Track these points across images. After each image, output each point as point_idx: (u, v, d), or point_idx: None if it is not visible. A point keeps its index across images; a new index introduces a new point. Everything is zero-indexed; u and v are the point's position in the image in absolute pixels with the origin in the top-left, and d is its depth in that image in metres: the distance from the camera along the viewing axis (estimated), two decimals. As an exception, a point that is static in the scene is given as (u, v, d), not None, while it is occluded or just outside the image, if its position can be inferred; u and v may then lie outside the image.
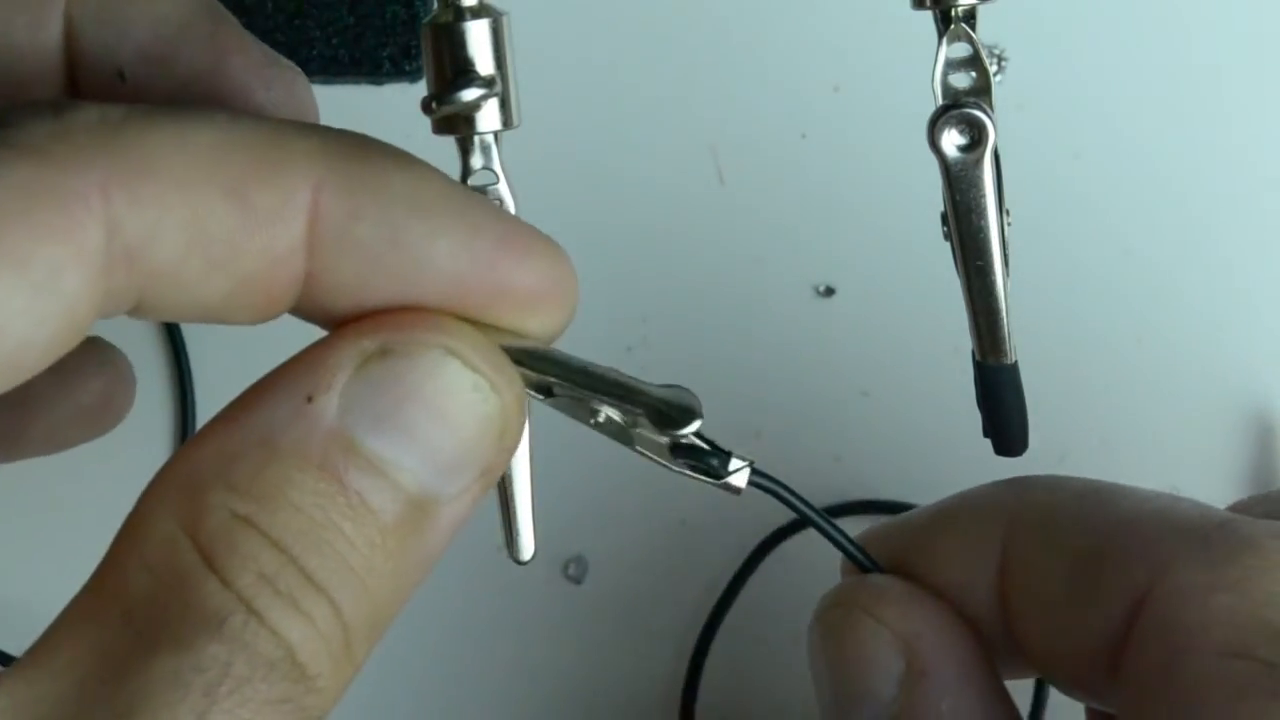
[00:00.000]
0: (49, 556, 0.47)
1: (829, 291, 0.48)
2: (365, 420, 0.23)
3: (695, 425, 0.24)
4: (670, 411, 0.24)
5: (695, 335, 0.48)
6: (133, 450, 0.48)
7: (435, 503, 0.23)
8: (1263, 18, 0.48)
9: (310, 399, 0.23)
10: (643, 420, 0.24)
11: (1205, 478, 0.47)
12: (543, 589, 0.47)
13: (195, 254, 0.22)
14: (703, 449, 0.25)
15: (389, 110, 0.47)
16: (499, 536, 0.29)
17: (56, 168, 0.21)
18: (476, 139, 0.27)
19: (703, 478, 0.25)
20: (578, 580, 0.47)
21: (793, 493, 0.28)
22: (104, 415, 0.35)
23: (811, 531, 0.29)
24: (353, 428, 0.23)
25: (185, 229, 0.22)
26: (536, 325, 0.25)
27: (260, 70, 0.29)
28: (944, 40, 0.29)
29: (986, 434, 0.32)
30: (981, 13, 0.29)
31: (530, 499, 0.29)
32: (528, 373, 0.25)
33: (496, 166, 0.28)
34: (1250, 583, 0.26)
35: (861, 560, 0.30)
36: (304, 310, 0.24)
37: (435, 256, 0.23)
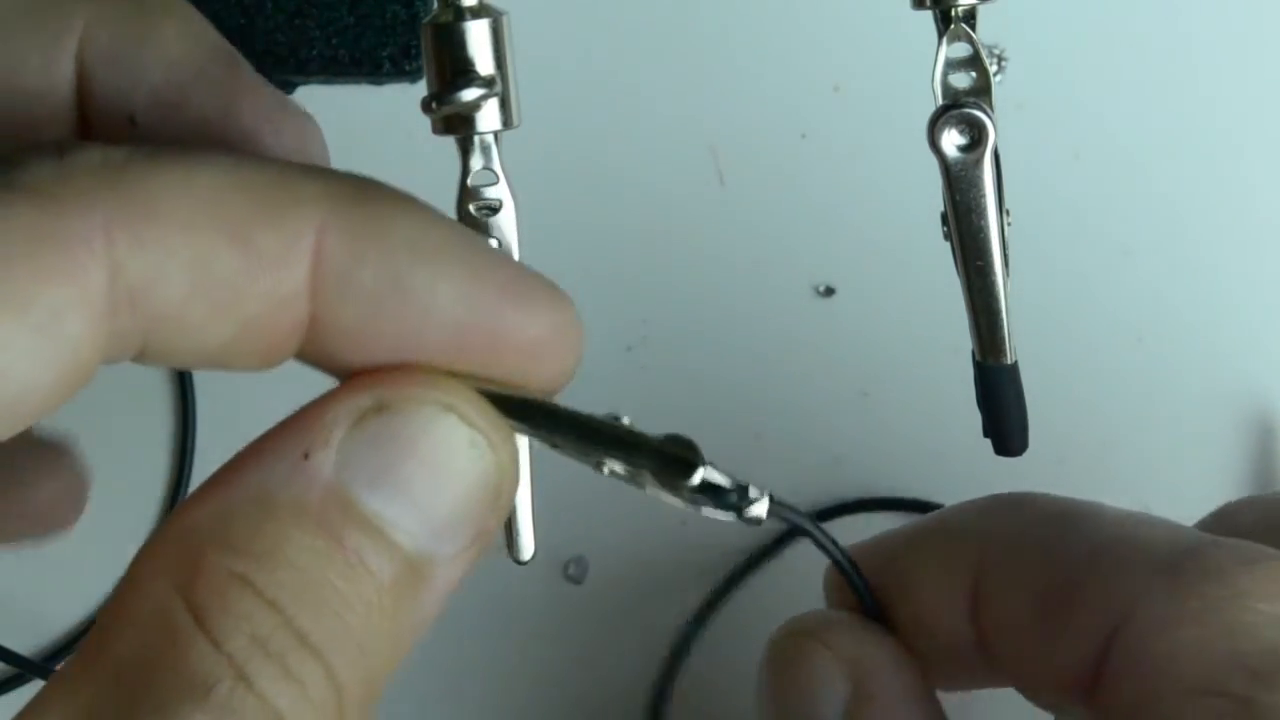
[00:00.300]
0: (48, 556, 0.47)
1: (829, 291, 0.48)
2: (362, 477, 0.23)
3: (697, 477, 0.24)
4: (669, 466, 0.24)
5: (695, 335, 0.48)
6: (136, 451, 0.48)
7: (431, 564, 0.23)
8: (1262, 18, 0.48)
9: (307, 455, 0.22)
10: (646, 474, 0.24)
11: (1205, 478, 0.47)
12: (543, 589, 0.47)
13: (199, 297, 0.22)
14: (717, 487, 0.25)
15: (389, 110, 0.47)
16: (499, 536, 0.29)
17: (59, 210, 0.21)
18: (476, 139, 0.27)
19: (723, 514, 0.25)
20: (578, 580, 0.47)
21: (813, 521, 0.28)
22: (50, 520, 0.34)
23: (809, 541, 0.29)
24: (350, 484, 0.23)
25: (189, 272, 0.22)
26: (539, 375, 0.25)
27: (271, 115, 0.29)
28: (944, 40, 0.29)
29: (986, 434, 0.32)
30: (981, 13, 0.29)
31: (530, 499, 0.29)
32: (526, 428, 0.24)
33: (496, 166, 0.28)
34: (1218, 614, 0.25)
35: (865, 598, 0.30)
36: (308, 356, 0.24)
37: (439, 302, 0.23)
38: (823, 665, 0.30)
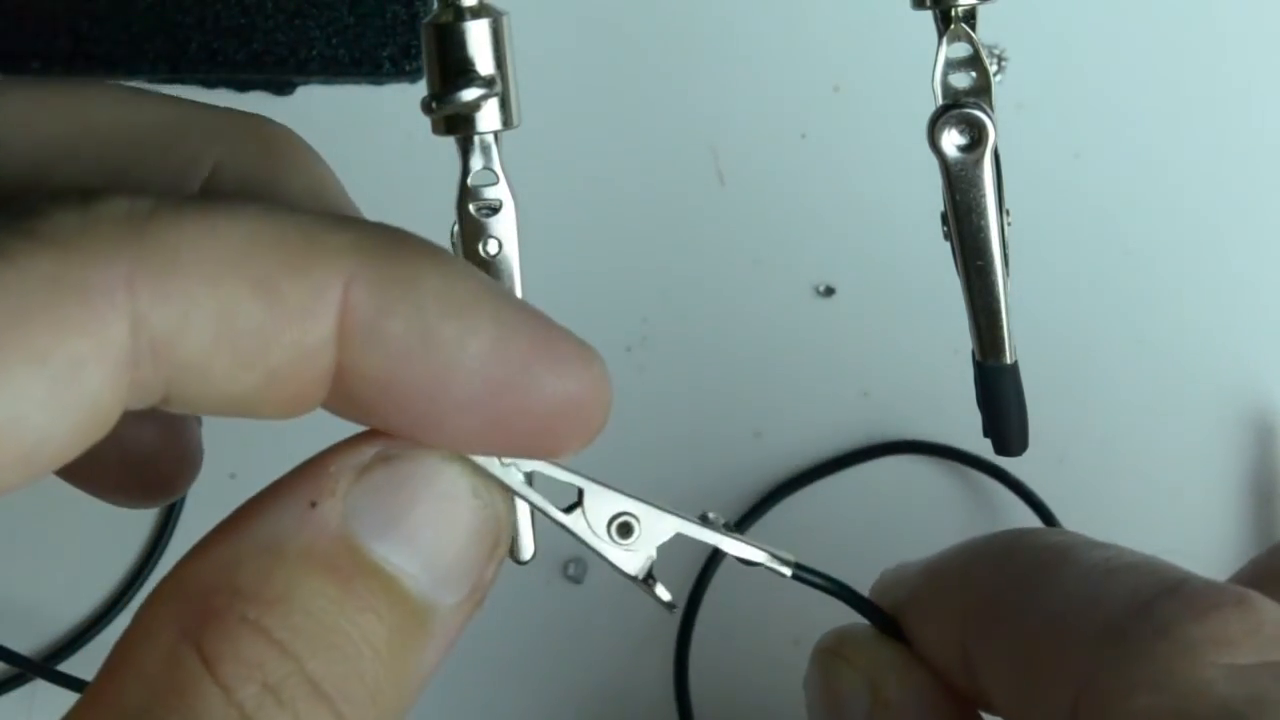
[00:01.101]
0: (48, 557, 0.47)
1: (829, 291, 0.48)
2: (369, 525, 0.23)
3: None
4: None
5: (695, 335, 0.48)
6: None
7: (434, 613, 0.23)
8: (1262, 18, 0.48)
9: (314, 504, 0.23)
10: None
11: (1205, 478, 0.47)
12: (543, 589, 0.47)
13: (223, 348, 0.22)
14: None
15: (389, 110, 0.47)
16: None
17: (81, 260, 0.21)
18: (476, 139, 0.27)
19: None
20: (578, 580, 0.47)
21: (843, 585, 0.29)
22: (166, 489, 0.33)
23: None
24: (357, 533, 0.23)
25: (214, 323, 0.22)
26: (567, 435, 0.24)
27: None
28: (944, 40, 0.29)
29: (986, 434, 0.32)
30: (981, 13, 0.29)
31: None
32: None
33: (496, 166, 0.28)
34: (1167, 676, 0.25)
35: (873, 616, 0.32)
36: (334, 406, 0.24)
37: (467, 355, 0.23)
38: (846, 678, 0.31)
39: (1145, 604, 0.26)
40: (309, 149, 0.30)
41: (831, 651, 0.31)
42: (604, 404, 0.24)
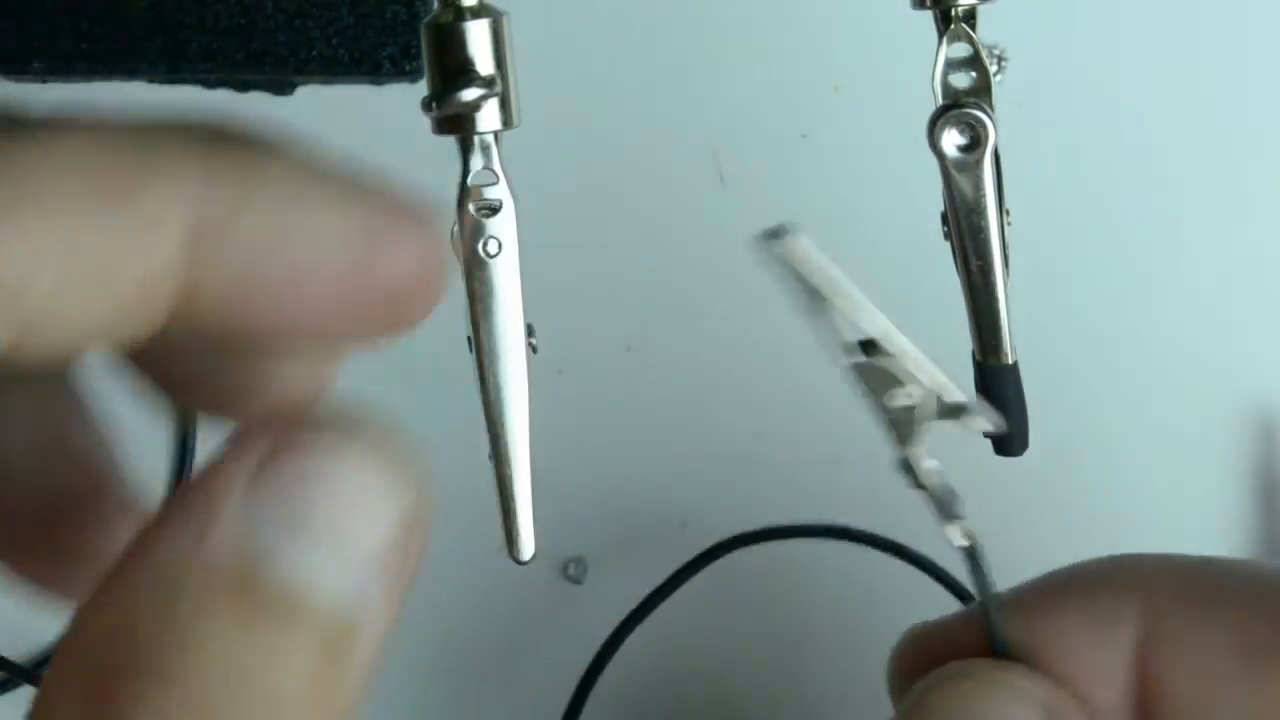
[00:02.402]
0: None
1: (829, 291, 0.48)
2: (273, 535, 0.20)
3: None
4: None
5: (695, 335, 0.48)
6: (135, 451, 0.48)
7: (358, 619, 0.21)
8: (1263, 18, 0.48)
9: (207, 527, 0.20)
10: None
11: (1205, 478, 0.47)
12: (543, 589, 0.47)
13: (75, 280, 0.20)
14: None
15: (389, 110, 0.47)
16: (499, 536, 0.28)
17: None
18: (476, 139, 0.27)
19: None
20: (578, 580, 0.47)
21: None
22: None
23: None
24: (260, 550, 0.20)
25: (64, 256, 0.20)
26: (420, 301, 0.23)
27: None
28: (944, 40, 0.29)
29: (987, 434, 0.32)
30: (981, 13, 0.29)
31: (530, 499, 0.29)
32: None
33: (496, 166, 0.28)
34: None
35: (998, 643, 0.28)
36: (185, 322, 0.22)
37: (322, 240, 0.22)
38: (1014, 706, 0.26)
39: None
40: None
41: (983, 679, 0.27)
42: (444, 261, 0.23)
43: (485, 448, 0.27)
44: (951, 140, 0.29)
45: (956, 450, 0.46)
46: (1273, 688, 0.25)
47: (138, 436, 0.39)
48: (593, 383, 0.47)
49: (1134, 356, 0.48)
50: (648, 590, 0.46)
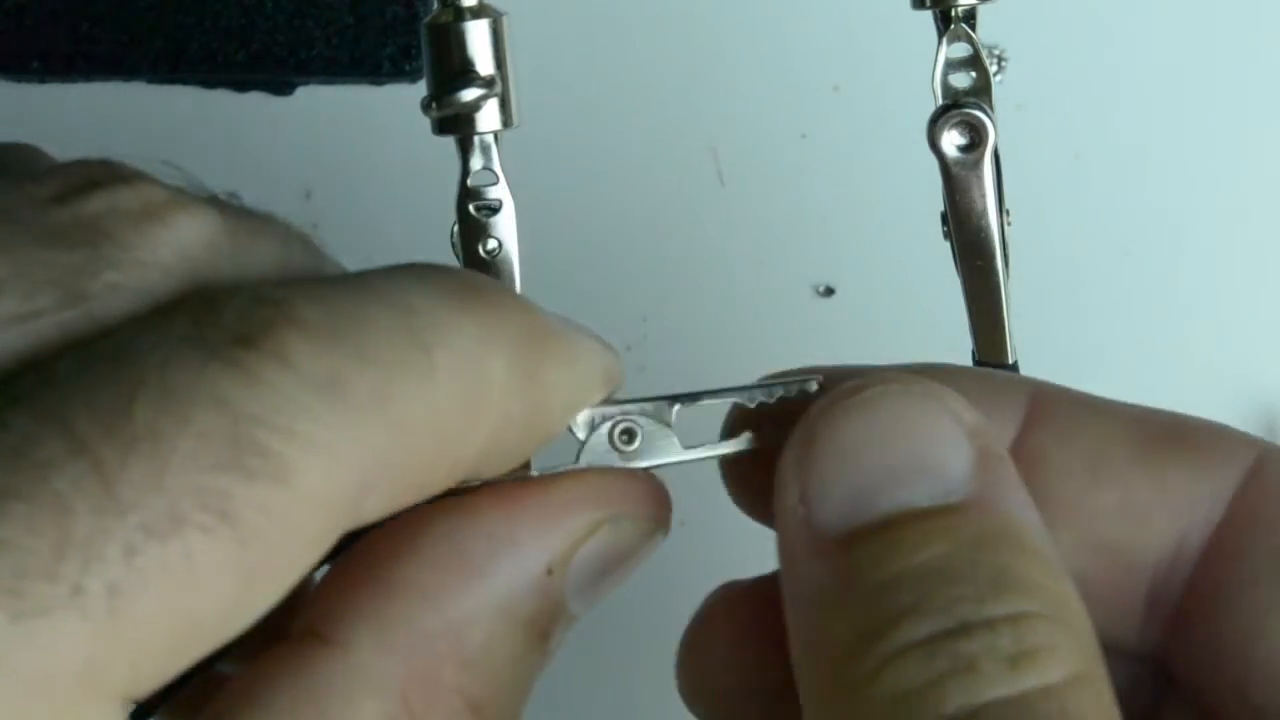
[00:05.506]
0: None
1: (829, 291, 0.48)
2: (575, 587, 0.24)
3: None
4: None
5: (695, 335, 0.48)
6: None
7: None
8: (1263, 18, 0.48)
9: (550, 572, 0.23)
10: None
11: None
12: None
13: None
14: None
15: (389, 110, 0.47)
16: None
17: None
18: (476, 139, 0.27)
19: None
20: (578, 580, 0.47)
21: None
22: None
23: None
24: (570, 604, 0.24)
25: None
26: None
27: None
28: (944, 40, 0.29)
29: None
30: (981, 13, 0.29)
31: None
32: None
33: (496, 166, 0.28)
34: None
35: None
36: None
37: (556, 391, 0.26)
38: (943, 420, 0.24)
39: None
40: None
41: (917, 391, 0.24)
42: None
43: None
44: (951, 140, 0.29)
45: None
46: (1161, 476, 0.25)
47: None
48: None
49: (1134, 356, 0.48)
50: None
